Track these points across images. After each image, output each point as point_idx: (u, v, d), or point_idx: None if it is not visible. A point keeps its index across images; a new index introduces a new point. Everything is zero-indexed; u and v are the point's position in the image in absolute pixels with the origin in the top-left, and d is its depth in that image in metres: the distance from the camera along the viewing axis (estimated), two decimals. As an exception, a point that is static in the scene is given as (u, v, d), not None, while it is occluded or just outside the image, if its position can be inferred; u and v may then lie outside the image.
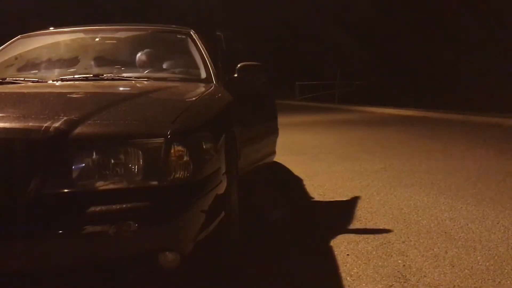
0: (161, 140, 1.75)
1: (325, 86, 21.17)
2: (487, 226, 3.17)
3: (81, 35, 3.61)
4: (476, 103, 13.47)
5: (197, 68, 3.23)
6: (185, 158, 1.79)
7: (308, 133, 9.44)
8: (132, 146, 1.73)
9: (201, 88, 2.79)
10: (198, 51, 3.36)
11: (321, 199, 4.04)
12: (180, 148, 1.78)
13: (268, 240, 3.06)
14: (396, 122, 11.79)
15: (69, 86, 2.81)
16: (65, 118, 1.76)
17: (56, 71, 3.18)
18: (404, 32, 19.89)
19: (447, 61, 18.29)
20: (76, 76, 2.99)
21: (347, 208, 3.78)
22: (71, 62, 3.32)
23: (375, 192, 4.22)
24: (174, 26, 3.79)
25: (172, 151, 1.76)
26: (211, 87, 2.91)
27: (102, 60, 3.34)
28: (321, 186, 4.48)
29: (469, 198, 3.92)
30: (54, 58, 3.36)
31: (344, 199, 4.02)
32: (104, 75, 2.98)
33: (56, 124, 1.70)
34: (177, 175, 1.77)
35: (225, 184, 2.16)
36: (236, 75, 3.24)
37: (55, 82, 2.91)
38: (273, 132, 4.39)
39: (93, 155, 1.71)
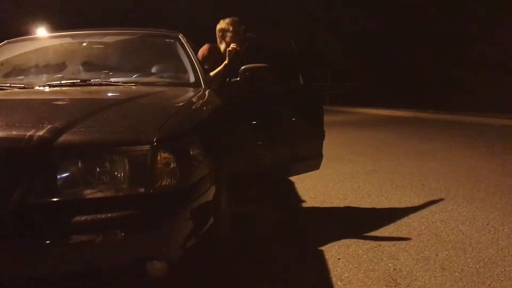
0: (147, 147, 1.72)
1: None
2: (477, 227, 3.18)
3: (69, 40, 3.56)
4: (467, 103, 13.55)
5: (186, 72, 3.21)
6: (172, 165, 1.77)
7: (300, 135, 9.42)
8: (118, 153, 1.71)
9: (189, 93, 2.76)
10: (187, 55, 3.33)
11: (312, 202, 4.03)
12: (166, 155, 1.75)
13: (259, 244, 3.04)
14: (388, 123, 11.83)
15: (56, 92, 2.77)
16: (49, 126, 1.73)
17: (43, 77, 3.14)
18: (394, 33, 19.98)
19: (437, 62, 18.39)
20: (63, 82, 2.96)
21: (338, 211, 3.77)
22: (58, 67, 3.27)
23: (366, 195, 4.22)
24: (162, 30, 3.76)
25: (158, 158, 1.74)
26: (200, 91, 2.88)
27: (89, 65, 3.31)
28: (312, 189, 4.47)
29: (460, 199, 3.93)
30: (41, 64, 3.32)
31: (335, 202, 4.01)
32: (92, 81, 2.95)
33: (40, 133, 1.67)
34: (164, 183, 1.74)
35: (213, 190, 2.13)
36: (238, 79, 3.20)
37: (41, 88, 2.88)
38: (305, 136, 3.79)
39: (78, 163, 1.69)
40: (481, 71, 15.63)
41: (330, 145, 7.72)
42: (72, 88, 2.84)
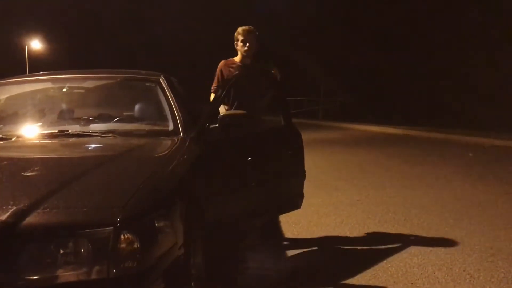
0: (109, 229, 1.73)
1: (309, 102, 21.31)
2: (453, 275, 3.19)
3: (49, 84, 3.59)
4: (458, 120, 13.66)
5: (165, 119, 3.22)
6: (135, 245, 1.77)
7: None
8: (81, 236, 1.71)
9: (165, 147, 2.78)
10: (167, 101, 3.34)
11: (294, 241, 4.03)
12: (129, 235, 1.75)
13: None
14: (378, 141, 11.87)
15: (30, 148, 2.80)
16: (13, 208, 1.73)
17: (22, 126, 3.16)
18: (387, 49, 20.14)
19: (431, 77, 18.53)
20: (41, 132, 2.99)
21: (317, 253, 3.78)
22: (38, 114, 3.31)
23: (348, 231, 4.23)
24: (143, 72, 3.79)
25: (121, 238, 1.74)
26: (177, 142, 2.90)
27: (69, 111, 3.34)
28: (296, 224, 4.47)
29: (440, 239, 3.95)
30: (20, 111, 3.34)
31: (316, 241, 4.01)
32: (70, 131, 2.98)
33: (3, 217, 1.69)
34: (127, 264, 1.74)
35: (182, 254, 2.12)
36: (217, 125, 3.20)
37: (19, 139, 2.91)
38: (286, 177, 3.77)
39: (41, 247, 1.69)
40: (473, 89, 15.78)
41: (319, 168, 7.78)
42: (48, 141, 2.87)
